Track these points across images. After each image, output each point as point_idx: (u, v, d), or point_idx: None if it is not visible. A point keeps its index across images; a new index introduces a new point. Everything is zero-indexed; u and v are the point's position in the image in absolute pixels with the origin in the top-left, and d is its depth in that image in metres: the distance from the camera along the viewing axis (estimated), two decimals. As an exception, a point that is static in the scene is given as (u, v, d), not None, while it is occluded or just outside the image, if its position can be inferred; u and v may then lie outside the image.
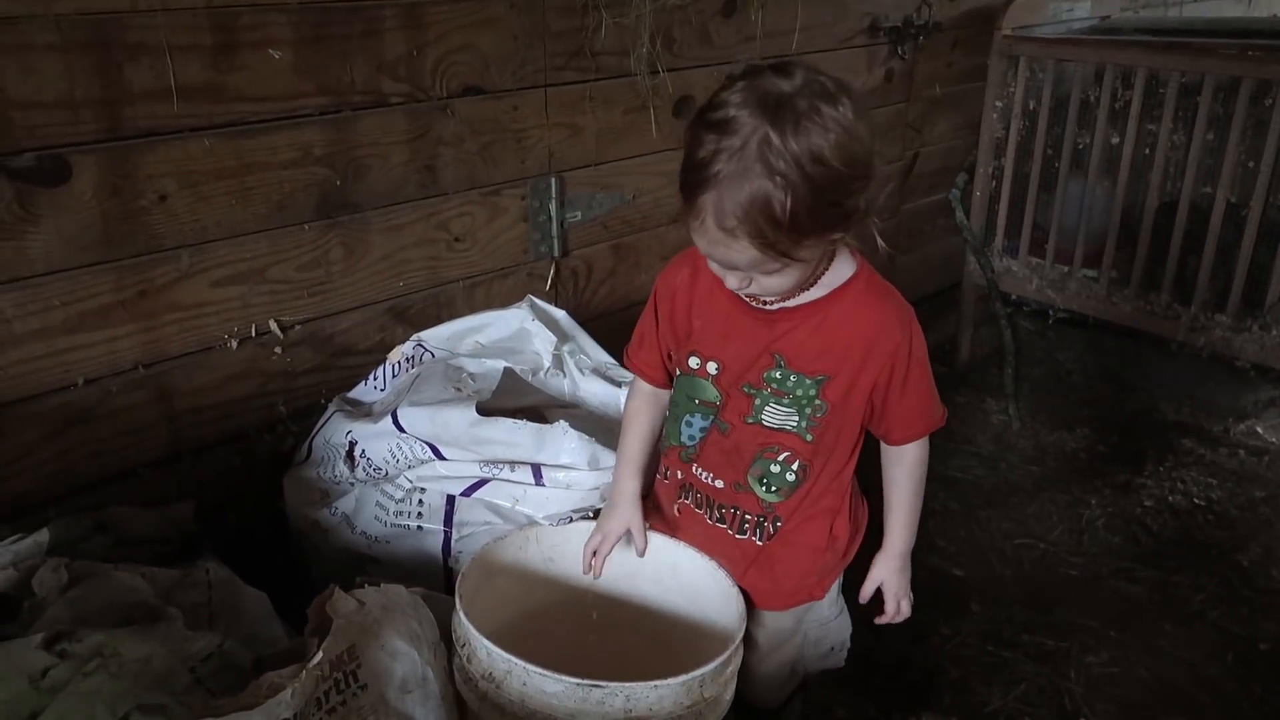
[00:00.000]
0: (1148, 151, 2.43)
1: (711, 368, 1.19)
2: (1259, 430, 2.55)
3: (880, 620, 1.31)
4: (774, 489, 1.23)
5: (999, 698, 1.70)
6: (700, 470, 1.26)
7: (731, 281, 1.07)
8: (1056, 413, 2.63)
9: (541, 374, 1.50)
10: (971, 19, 2.65)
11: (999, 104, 2.62)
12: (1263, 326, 2.27)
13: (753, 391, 1.18)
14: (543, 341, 1.53)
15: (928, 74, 2.61)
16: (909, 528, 1.26)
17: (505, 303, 1.78)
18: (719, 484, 1.25)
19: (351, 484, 1.41)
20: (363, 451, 1.38)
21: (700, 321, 1.19)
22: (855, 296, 1.12)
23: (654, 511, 1.34)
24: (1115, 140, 2.46)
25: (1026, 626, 1.86)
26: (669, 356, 1.24)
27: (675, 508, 1.31)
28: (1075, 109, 2.50)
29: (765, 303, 1.14)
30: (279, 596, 1.29)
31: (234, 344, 1.50)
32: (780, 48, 2.17)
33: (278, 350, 1.55)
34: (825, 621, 1.39)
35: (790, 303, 1.13)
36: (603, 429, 1.42)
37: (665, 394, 1.28)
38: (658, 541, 1.30)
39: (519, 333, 1.55)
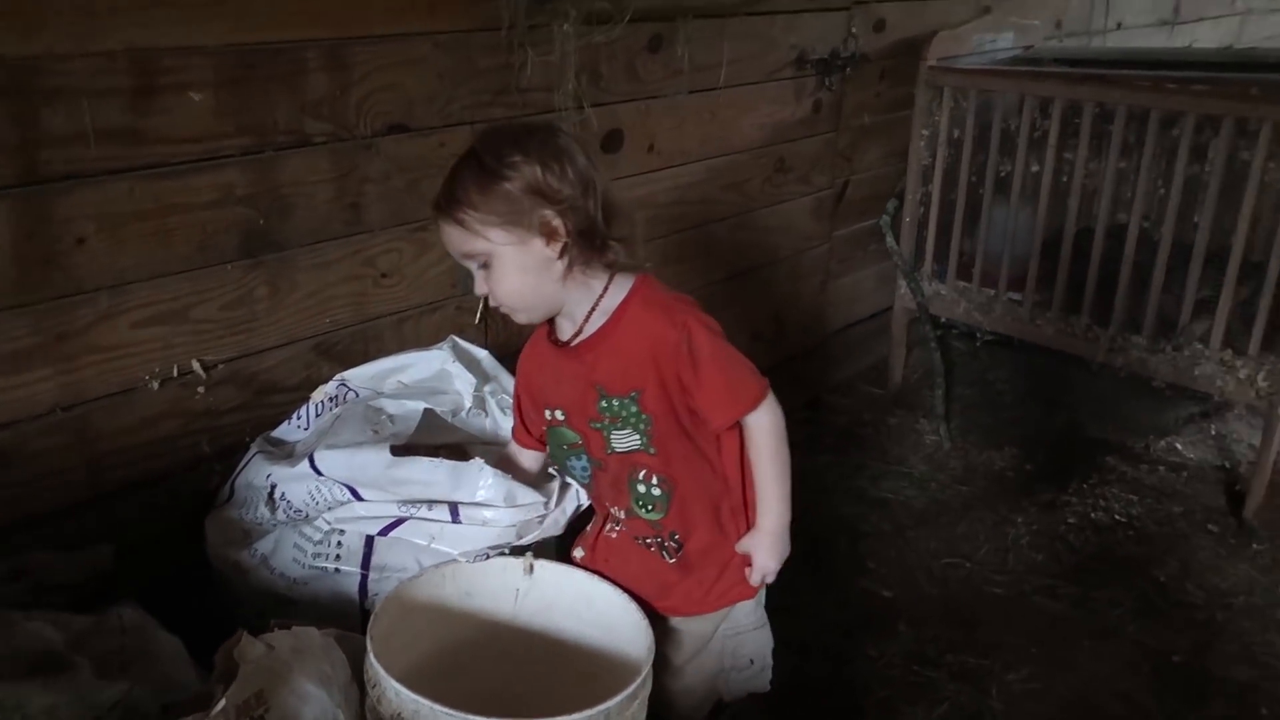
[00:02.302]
0: (1066, 179, 2.51)
1: (559, 415, 1.30)
2: (1178, 446, 2.64)
3: (751, 581, 1.36)
4: (650, 507, 1.30)
5: (923, 716, 1.74)
6: (607, 504, 1.35)
7: (476, 285, 1.23)
8: (986, 432, 2.70)
9: (463, 414, 1.52)
10: (897, 50, 2.73)
11: (925, 132, 2.69)
12: (1175, 348, 2.36)
13: (598, 426, 1.27)
14: (464, 383, 1.55)
15: (856, 104, 2.68)
16: (774, 505, 1.30)
17: (435, 337, 1.79)
18: (621, 514, 1.34)
19: (273, 525, 1.42)
20: (283, 494, 1.39)
21: (540, 378, 1.32)
22: (633, 312, 1.24)
23: (591, 547, 1.40)
24: (1035, 168, 2.55)
25: (951, 646, 1.91)
26: (532, 418, 1.38)
27: (600, 537, 1.39)
28: (997, 138, 2.59)
29: (567, 341, 1.26)
30: (201, 639, 1.29)
31: (156, 385, 1.50)
32: (708, 81, 2.22)
33: (201, 390, 1.55)
34: (742, 630, 1.42)
35: (585, 334, 1.25)
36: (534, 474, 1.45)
37: (519, 454, 1.43)
38: (575, 576, 1.33)
39: (440, 373, 1.57)
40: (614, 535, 1.37)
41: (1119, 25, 3.85)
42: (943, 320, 2.79)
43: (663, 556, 1.33)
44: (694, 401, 1.24)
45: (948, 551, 2.19)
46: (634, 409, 1.24)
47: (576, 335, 1.26)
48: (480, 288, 1.23)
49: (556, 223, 1.17)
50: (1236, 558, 2.20)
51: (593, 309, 1.24)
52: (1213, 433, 2.70)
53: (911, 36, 2.72)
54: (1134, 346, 2.43)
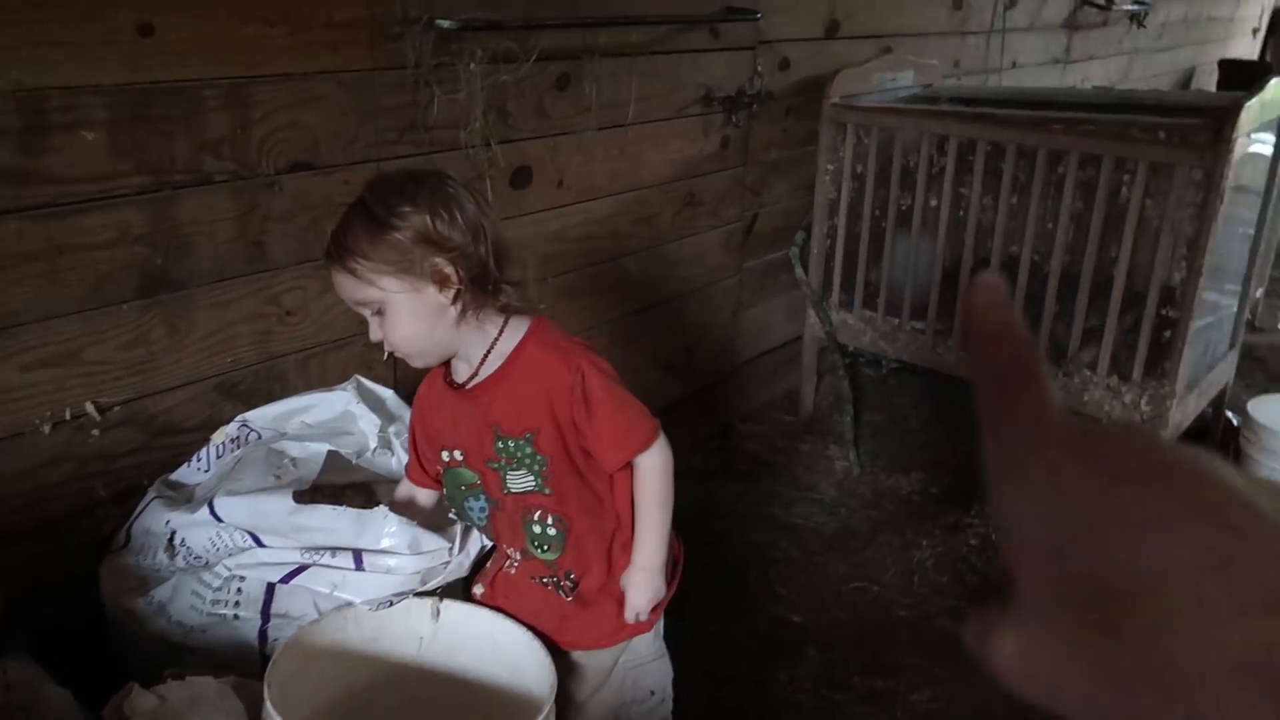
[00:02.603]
0: (962, 213, 2.62)
1: (458, 455, 1.32)
2: (1073, 467, 2.75)
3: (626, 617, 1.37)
4: (545, 547, 1.32)
5: (830, 740, 1.78)
6: (503, 545, 1.37)
7: (371, 332, 1.24)
8: (894, 457, 2.78)
9: (368, 455, 1.52)
10: (802, 88, 2.81)
11: (830, 167, 2.78)
12: (1066, 374, 2.47)
13: (495, 466, 1.29)
14: (368, 423, 1.55)
15: (763, 140, 2.76)
16: (650, 544, 1.31)
17: (341, 374, 1.79)
18: (517, 554, 1.36)
19: (171, 572, 1.39)
20: (183, 540, 1.37)
21: (437, 420, 1.34)
22: (528, 355, 1.26)
23: (491, 583, 1.41)
24: (934, 202, 2.65)
25: (859, 669, 1.96)
26: (428, 457, 1.38)
27: (499, 574, 1.40)
28: (898, 173, 2.69)
29: (463, 383, 1.28)
30: (96, 691, 1.26)
31: (47, 428, 1.46)
32: (616, 118, 2.27)
33: (95, 433, 1.52)
34: (642, 662, 1.44)
35: (481, 376, 1.27)
36: (431, 513, 1.46)
37: (413, 492, 1.45)
38: (479, 615, 1.33)
39: (344, 414, 1.57)
40: (512, 572, 1.38)
41: (1014, 64, 4.04)
42: (851, 349, 2.87)
43: (559, 594, 1.35)
44: (587, 443, 1.27)
45: (856, 575, 2.25)
46: (529, 450, 1.26)
47: (473, 377, 1.28)
48: (375, 334, 1.24)
49: (448, 270, 1.19)
50: (1127, 574, 2.29)
51: (488, 352, 1.27)
52: (1105, 453, 2.83)
53: (815, 75, 2.82)
54: (1029, 372, 2.53)
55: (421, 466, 1.41)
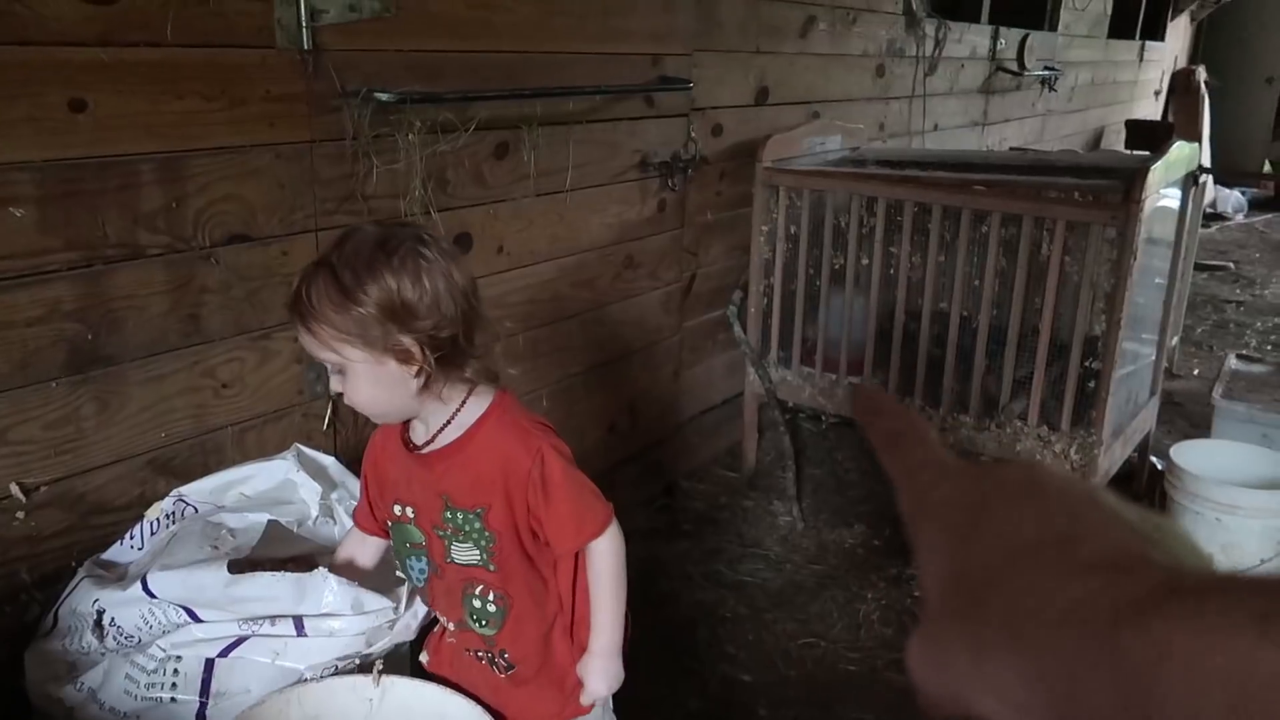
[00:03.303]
0: (893, 270, 2.70)
1: (409, 512, 1.30)
2: (1009, 516, 2.81)
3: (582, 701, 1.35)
4: (484, 623, 1.30)
5: (783, 801, 1.77)
6: (437, 613, 1.35)
7: (333, 384, 1.22)
8: (837, 511, 2.81)
9: (310, 523, 1.49)
10: (735, 153, 2.90)
11: (765, 228, 2.85)
12: (999, 425, 2.54)
13: (441, 534, 1.28)
14: (309, 491, 1.53)
15: (699, 203, 2.82)
16: (606, 627, 1.30)
17: (280, 445, 1.76)
18: (451, 625, 1.34)
19: (101, 654, 1.34)
20: (112, 620, 1.32)
21: (392, 472, 1.31)
22: (488, 431, 1.25)
23: (435, 650, 1.40)
24: (865, 261, 2.73)
25: (809, 726, 1.96)
26: (378, 506, 1.36)
27: (443, 641, 1.39)
28: (830, 233, 2.77)
29: (419, 446, 1.27)
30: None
31: (-31, 512, 1.42)
32: (555, 184, 2.30)
33: (20, 515, 1.47)
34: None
35: (437, 444, 1.25)
36: (374, 572, 1.43)
37: (368, 542, 1.42)
38: (426, 691, 1.31)
39: (284, 483, 1.54)
40: (452, 641, 1.37)
41: (935, 126, 4.21)
42: (790, 404, 2.91)
43: (494, 671, 1.33)
44: (541, 526, 1.25)
45: (804, 632, 2.26)
46: (478, 525, 1.24)
47: (429, 443, 1.26)
48: (335, 387, 1.22)
49: (413, 349, 1.16)
50: (1065, 619, 2.34)
51: (448, 422, 1.24)
52: (1039, 501, 2.90)
53: (747, 140, 2.90)
54: (963, 425, 2.60)
55: (371, 512, 1.38)
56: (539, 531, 1.26)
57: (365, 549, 1.43)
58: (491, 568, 1.26)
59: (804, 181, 2.81)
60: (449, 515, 1.26)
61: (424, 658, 1.40)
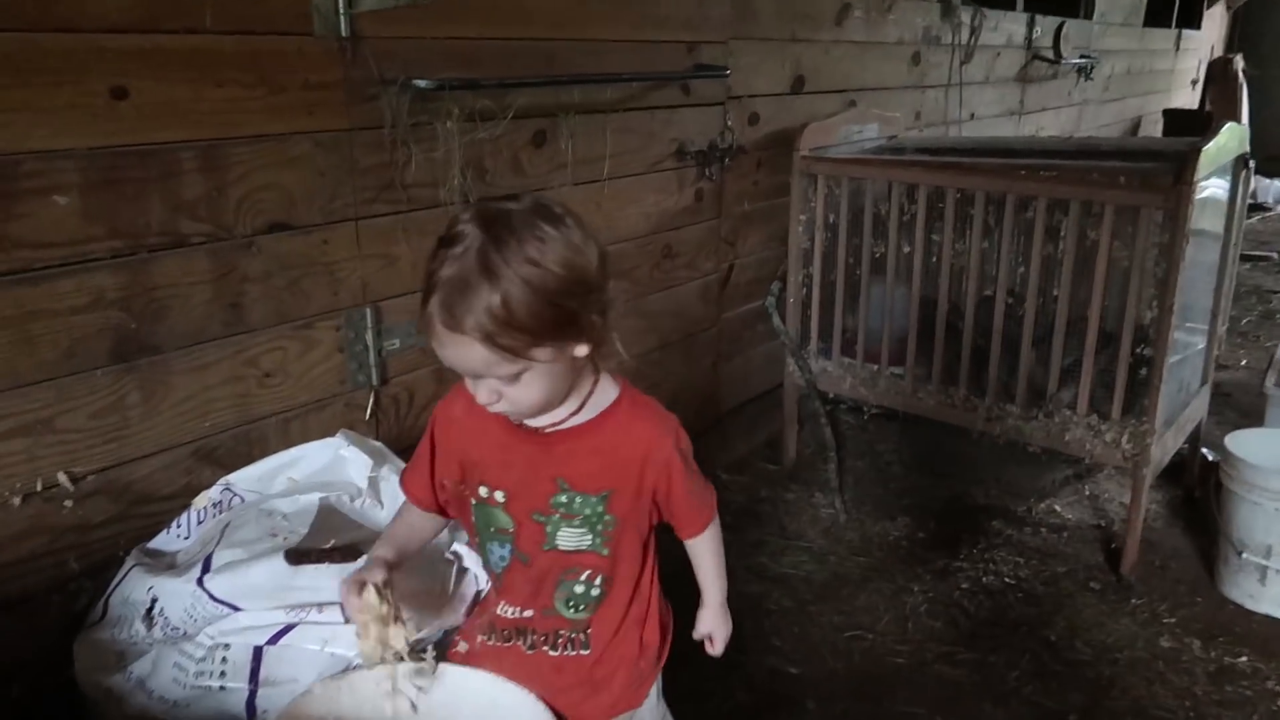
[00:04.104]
0: (935, 258, 2.65)
1: (499, 496, 1.22)
2: (1057, 508, 2.75)
3: (711, 653, 1.40)
4: (581, 607, 1.25)
5: (835, 796, 1.73)
6: (506, 607, 1.27)
7: (481, 395, 1.10)
8: (879, 503, 2.76)
9: (359, 503, 1.47)
10: (772, 142, 2.86)
11: (803, 217, 2.81)
12: (1047, 414, 2.48)
13: (542, 519, 1.20)
14: (358, 468, 1.51)
15: (736, 192, 2.79)
16: (719, 583, 1.37)
17: (322, 435, 1.74)
18: (528, 613, 1.27)
19: (149, 644, 1.33)
20: (161, 609, 1.31)
21: (480, 452, 1.21)
22: (624, 413, 1.19)
23: (471, 635, 1.33)
24: (906, 249, 2.68)
25: (859, 719, 1.91)
26: (443, 485, 1.26)
27: (478, 643, 1.31)
28: (869, 221, 2.72)
29: (538, 427, 1.18)
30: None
31: (17, 500, 1.41)
32: (592, 173, 2.28)
33: (68, 503, 1.47)
34: (648, 729, 1.39)
35: (564, 425, 1.17)
36: (422, 554, 1.40)
37: (424, 518, 1.30)
38: (476, 679, 1.28)
39: (333, 461, 1.52)
40: (490, 642, 1.29)
41: (972, 116, 4.15)
42: (831, 395, 2.87)
43: (564, 652, 1.28)
44: (674, 510, 1.24)
45: (850, 624, 2.21)
46: (600, 509, 1.19)
47: (554, 424, 1.17)
48: (487, 399, 1.09)
49: (598, 322, 1.07)
50: (1118, 613, 2.28)
51: (583, 403, 1.17)
52: (1087, 493, 2.84)
53: (783, 129, 2.86)
54: (1009, 415, 2.54)
55: (432, 486, 1.26)
56: (663, 514, 1.24)
57: (416, 531, 1.31)
58: (604, 551, 1.22)
59: (842, 170, 2.77)
60: (563, 499, 1.19)
61: (461, 647, 1.33)
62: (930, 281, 2.67)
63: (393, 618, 1.18)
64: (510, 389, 1.08)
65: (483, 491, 1.22)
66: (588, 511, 1.20)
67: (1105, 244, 2.35)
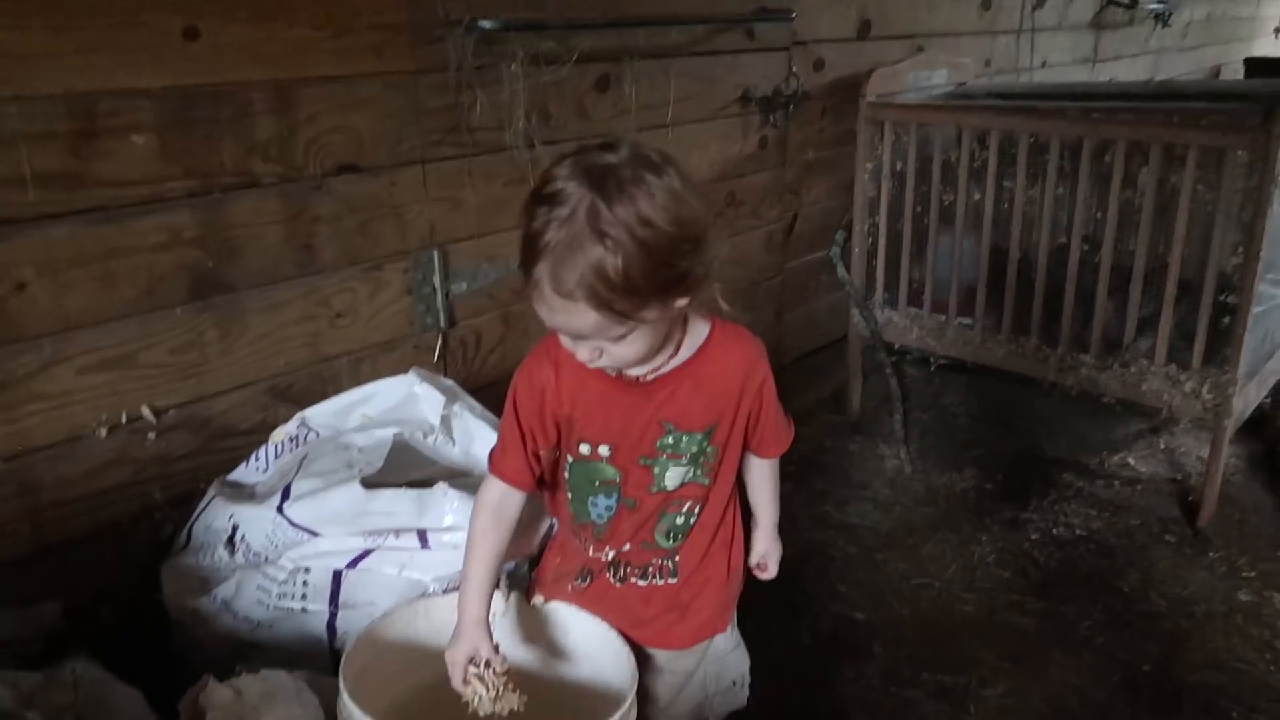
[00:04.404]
0: (1007, 206, 2.58)
1: (603, 450, 1.19)
2: (1130, 461, 2.68)
3: (764, 576, 1.42)
4: (675, 537, 1.26)
5: (902, 739, 1.73)
6: (610, 550, 1.27)
7: (582, 354, 1.08)
8: (945, 455, 2.72)
9: (432, 439, 1.49)
10: (837, 88, 2.80)
11: (869, 165, 2.75)
12: (1123, 364, 2.41)
13: (649, 462, 1.19)
14: (430, 405, 1.52)
15: (801, 140, 2.74)
16: (775, 506, 1.39)
17: (391, 376, 1.77)
18: (626, 547, 1.26)
19: (232, 569, 1.37)
20: (243, 536, 1.35)
21: (579, 411, 1.17)
22: (719, 347, 1.18)
23: (549, 584, 1.32)
24: (977, 196, 2.61)
25: (926, 665, 1.90)
26: (537, 456, 1.20)
27: (570, 587, 1.30)
28: (938, 169, 2.65)
29: (637, 376, 1.16)
30: (159, 692, 1.23)
31: (103, 432, 1.46)
32: (656, 119, 2.26)
33: (151, 436, 1.51)
34: (723, 654, 1.41)
35: (664, 369, 1.16)
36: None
37: (515, 508, 1.22)
38: (552, 608, 1.29)
39: (406, 398, 1.54)
40: (582, 584, 1.29)
41: (1044, 63, 4.01)
42: (896, 347, 2.82)
43: (652, 581, 1.27)
44: (762, 431, 1.25)
45: (916, 572, 2.19)
46: (706, 444, 1.19)
47: (654, 370, 1.15)
48: (588, 356, 1.08)
49: (707, 276, 1.05)
50: (1194, 566, 2.23)
51: (678, 346, 1.15)
52: (1162, 446, 2.76)
53: (849, 75, 2.80)
54: (1082, 365, 2.48)
55: (529, 466, 1.20)
56: (748, 436, 1.25)
57: (502, 540, 1.22)
58: (705, 482, 1.23)
59: (911, 116, 2.70)
60: (669, 441, 1.18)
61: (538, 600, 1.32)
62: (1001, 230, 2.60)
63: (501, 692, 1.15)
64: (614, 347, 1.06)
65: (583, 449, 1.20)
66: (694, 449, 1.19)
67: (1188, 189, 2.26)
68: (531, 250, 1.00)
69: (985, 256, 2.61)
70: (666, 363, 1.16)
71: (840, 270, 2.84)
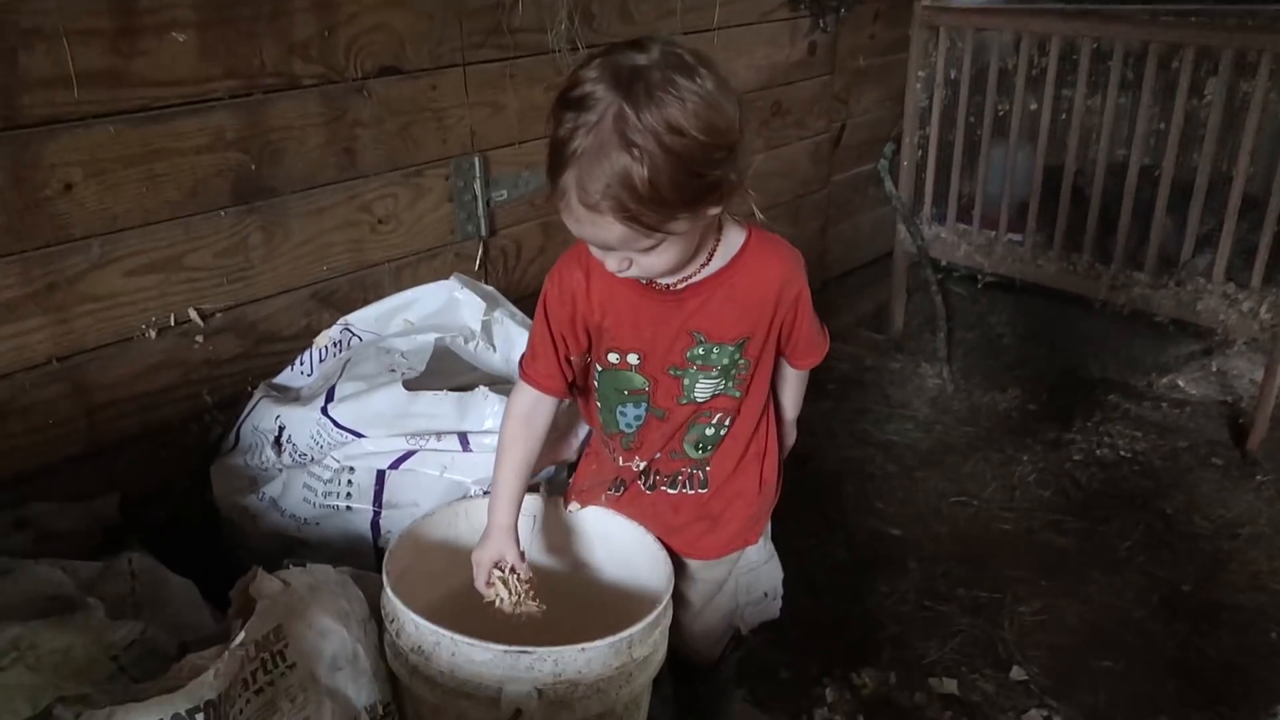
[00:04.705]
0: (1064, 117, 2.48)
1: (633, 359, 1.18)
2: (1180, 383, 2.63)
3: None
4: (708, 448, 1.25)
5: (936, 650, 1.74)
6: (639, 460, 1.26)
7: (611, 264, 1.06)
8: (989, 374, 2.68)
9: (473, 345, 1.49)
10: (891, -9, 2.69)
11: (921, 74, 2.66)
12: (1178, 283, 2.35)
13: (679, 373, 1.18)
14: (471, 310, 1.52)
15: (851, 46, 2.64)
16: (799, 404, 1.38)
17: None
18: (656, 456, 1.26)
19: (279, 469, 1.40)
20: (289, 436, 1.37)
21: (609, 318, 1.16)
22: (754, 256, 1.15)
23: (584, 491, 1.33)
24: (1034, 107, 2.52)
25: (962, 581, 1.91)
26: (568, 362, 1.20)
27: (604, 495, 1.31)
28: (994, 77, 2.55)
29: (668, 284, 1.14)
30: (210, 585, 1.28)
31: (153, 334, 1.48)
32: (701, 21, 2.19)
33: (199, 339, 1.53)
34: (755, 566, 1.42)
35: (696, 278, 1.13)
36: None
37: (547, 415, 1.22)
38: (589, 512, 1.31)
39: (448, 304, 1.54)
40: (614, 494, 1.30)
41: (1111, -34, 3.81)
42: (943, 264, 2.77)
43: (682, 490, 1.27)
44: (796, 342, 1.23)
45: (955, 490, 2.19)
46: (738, 356, 1.18)
47: (685, 279, 1.13)
48: (617, 266, 1.06)
49: (740, 180, 1.01)
50: (1241, 489, 2.19)
51: (711, 254, 1.12)
52: (1214, 369, 2.70)
53: (905, -23, 2.68)
54: (1136, 283, 2.41)
55: (560, 372, 1.20)
56: (782, 345, 1.23)
57: (534, 448, 1.22)
58: (737, 394, 1.21)
59: (967, 21, 2.59)
60: (699, 352, 1.16)
61: (573, 507, 1.33)
62: (1057, 142, 2.51)
63: (522, 598, 1.16)
64: (643, 258, 1.04)
65: (612, 358, 1.19)
66: (725, 361, 1.17)
67: (1259, 98, 2.16)
68: (558, 158, 0.98)
69: (1039, 170, 2.52)
70: (699, 271, 1.13)
71: (888, 184, 2.77)
